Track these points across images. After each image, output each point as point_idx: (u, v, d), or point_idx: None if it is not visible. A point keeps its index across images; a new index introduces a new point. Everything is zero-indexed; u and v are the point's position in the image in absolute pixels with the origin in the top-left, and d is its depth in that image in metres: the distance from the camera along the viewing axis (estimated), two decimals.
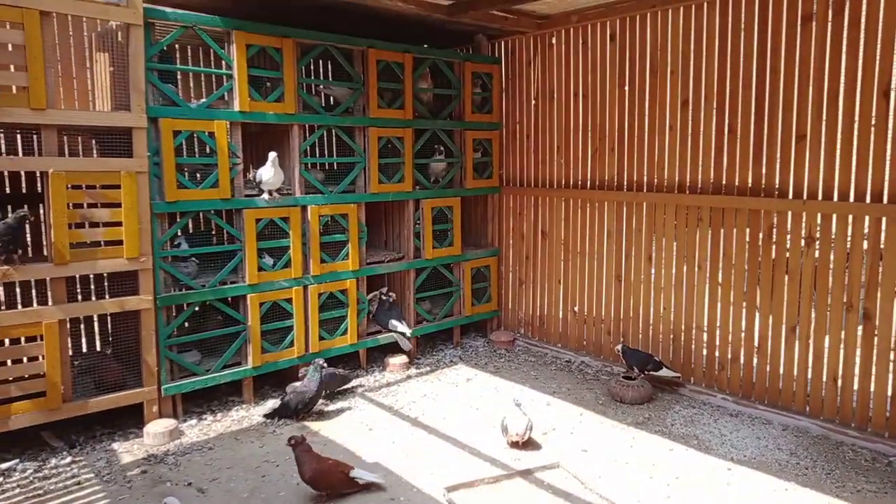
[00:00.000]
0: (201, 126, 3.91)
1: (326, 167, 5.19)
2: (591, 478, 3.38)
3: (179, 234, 4.24)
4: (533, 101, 5.48)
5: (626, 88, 4.78)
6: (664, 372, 4.49)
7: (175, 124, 3.80)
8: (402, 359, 5.11)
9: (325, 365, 4.16)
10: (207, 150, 4.04)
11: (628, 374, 4.54)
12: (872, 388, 3.68)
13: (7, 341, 3.48)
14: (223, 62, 4.11)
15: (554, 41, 5.26)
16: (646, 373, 4.52)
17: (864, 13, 3.57)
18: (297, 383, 4.33)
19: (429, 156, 5.25)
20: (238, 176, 4.13)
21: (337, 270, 4.65)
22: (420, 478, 3.41)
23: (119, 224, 3.65)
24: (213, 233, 4.58)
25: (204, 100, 4.05)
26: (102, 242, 3.66)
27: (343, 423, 4.11)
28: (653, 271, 4.73)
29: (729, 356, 4.33)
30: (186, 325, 4.54)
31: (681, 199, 4.48)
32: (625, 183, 4.86)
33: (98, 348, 4.56)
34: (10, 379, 3.42)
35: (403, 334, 4.97)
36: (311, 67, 5.34)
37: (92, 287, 4.34)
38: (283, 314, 4.44)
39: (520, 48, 5.53)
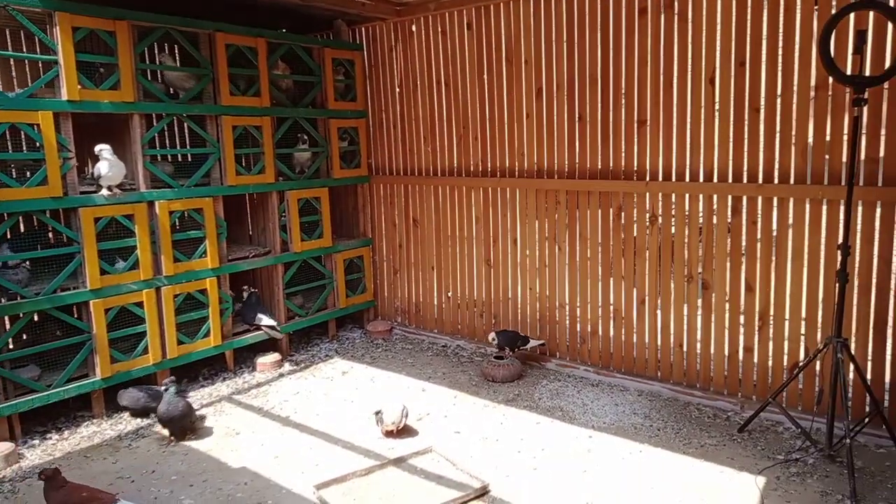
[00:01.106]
0: (23, 117, 3.50)
1: (178, 159, 4.85)
2: (462, 458, 3.44)
3: (4, 237, 3.78)
4: (397, 89, 5.45)
5: (486, 77, 4.87)
6: (532, 343, 4.68)
7: None
8: (274, 357, 4.93)
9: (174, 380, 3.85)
10: (37, 145, 3.63)
11: (499, 355, 4.66)
12: (712, 351, 4.03)
13: None
14: (47, 47, 3.70)
15: (414, 28, 5.25)
16: (518, 349, 4.67)
17: (689, 7, 3.85)
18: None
19: (292, 145, 5.07)
20: (71, 171, 3.75)
21: (194, 269, 4.38)
22: (290, 479, 3.30)
23: None
24: (50, 235, 4.14)
25: (26, 88, 3.63)
26: None
27: (206, 430, 3.89)
28: (518, 254, 4.88)
29: (589, 329, 4.57)
30: (24, 337, 4.11)
31: (540, 183, 4.65)
32: (489, 169, 4.97)
33: None
34: None
35: (272, 327, 4.80)
36: (156, 52, 4.95)
37: None
38: (135, 319, 4.12)
39: (381, 35, 5.47)
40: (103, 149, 3.81)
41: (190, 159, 4.69)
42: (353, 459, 3.49)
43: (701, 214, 3.98)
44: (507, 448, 3.58)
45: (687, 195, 3.99)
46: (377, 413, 3.75)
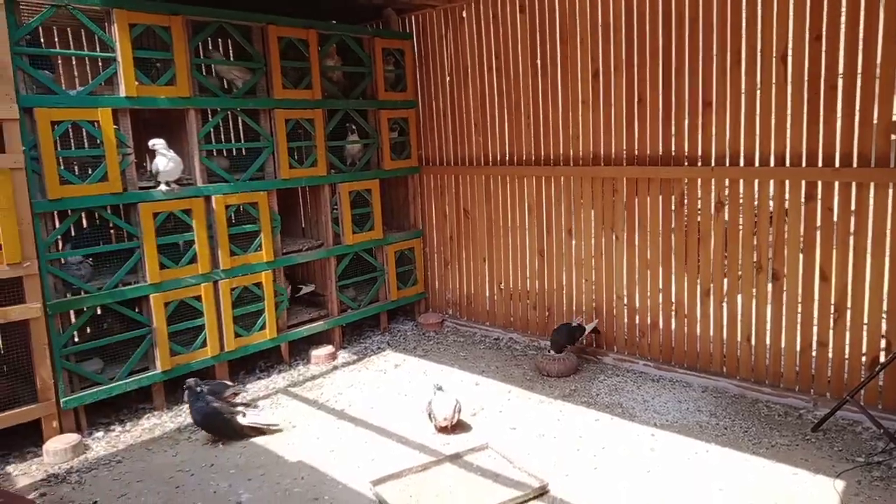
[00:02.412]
0: (83, 115, 3.58)
1: (233, 153, 4.90)
2: (519, 456, 3.36)
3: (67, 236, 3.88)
4: (448, 78, 5.36)
5: (539, 61, 4.72)
6: (588, 328, 4.54)
7: (52, 114, 3.45)
8: (328, 349, 4.94)
9: (198, 381, 3.80)
10: (97, 142, 3.71)
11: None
12: (783, 345, 3.81)
13: None
14: (106, 45, 3.76)
15: (465, 15, 5.14)
16: (577, 342, 4.54)
17: None
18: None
19: (343, 137, 5.05)
20: (130, 167, 3.82)
21: (250, 263, 4.41)
22: (346, 473, 3.28)
23: None
24: (112, 230, 4.24)
25: (86, 86, 3.71)
26: None
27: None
28: (573, 244, 4.74)
29: (649, 322, 4.40)
30: (88, 331, 4.23)
31: (596, 171, 4.48)
32: (542, 157, 4.83)
33: None
34: None
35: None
36: (210, 47, 5.00)
37: None
38: (193, 313, 4.18)
39: (431, 23, 5.38)
40: (157, 143, 3.86)
41: (244, 153, 4.73)
42: (408, 454, 3.46)
43: (771, 200, 3.75)
44: (565, 446, 3.47)
45: (756, 181, 3.76)
46: (429, 405, 3.70)
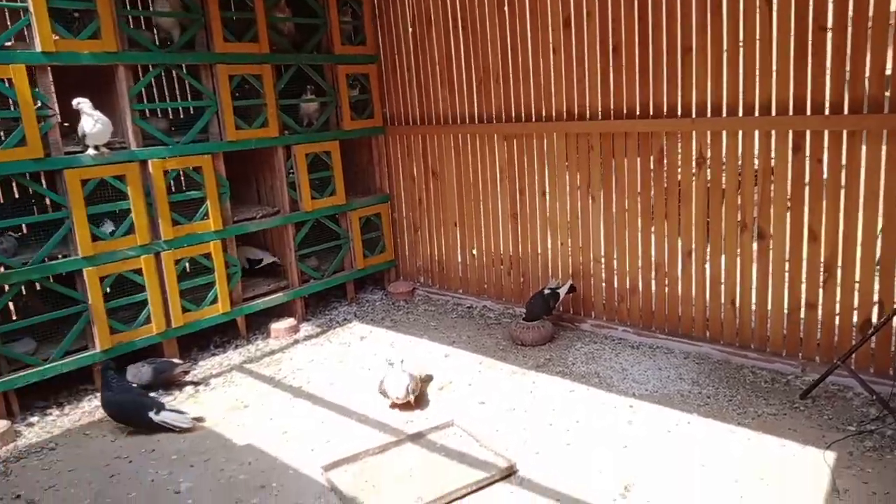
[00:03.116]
0: None
1: (175, 114, 4.50)
2: (488, 433, 3.11)
3: None
4: (410, 30, 4.97)
5: (506, 10, 4.35)
6: (563, 290, 4.27)
7: None
8: (289, 322, 4.65)
9: (111, 363, 3.49)
10: (11, 103, 3.32)
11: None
12: (769, 308, 3.57)
13: None
14: None
15: None
16: (553, 310, 4.27)
17: None
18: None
19: (298, 96, 4.66)
20: (54, 130, 3.44)
21: (196, 232, 4.07)
22: (298, 457, 3.02)
23: None
24: (34, 201, 3.87)
25: None
26: None
27: (215, 402, 3.64)
28: (548, 205, 4.44)
29: (628, 286, 4.14)
30: (12, 308, 3.88)
31: (569, 126, 4.16)
32: (513, 114, 4.49)
33: None
34: None
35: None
36: None
37: None
38: (135, 287, 3.85)
39: None
40: (81, 103, 3.47)
41: (191, 113, 4.33)
42: (367, 434, 3.19)
43: (756, 153, 3.47)
44: (537, 420, 3.22)
45: (740, 132, 3.47)
46: (381, 383, 3.43)
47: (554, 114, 4.25)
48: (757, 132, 3.42)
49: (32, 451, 3.21)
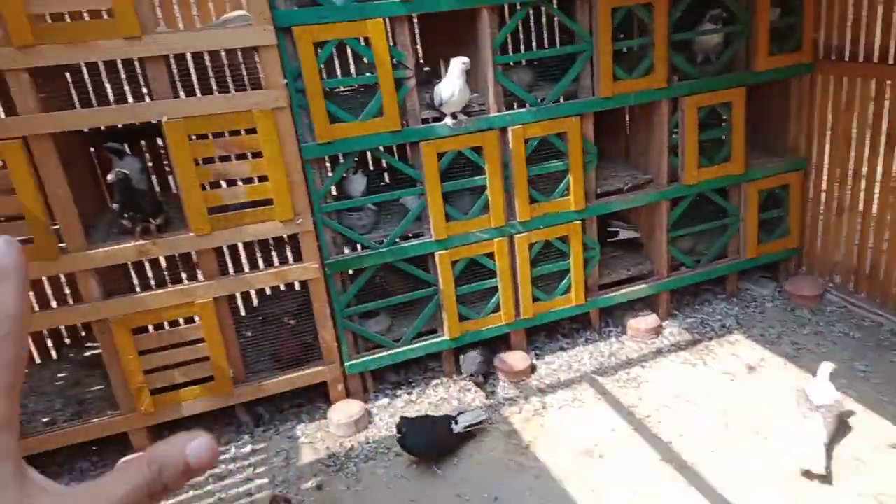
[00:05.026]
0: (350, 31, 2.80)
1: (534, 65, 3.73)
2: None
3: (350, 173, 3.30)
4: None
5: None
6: None
7: (315, 33, 2.74)
8: (650, 320, 3.76)
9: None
10: (364, 63, 2.97)
11: None
12: None
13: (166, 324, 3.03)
14: None
15: None
16: None
17: None
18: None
19: (691, 28, 3.46)
20: (410, 95, 3.00)
21: (553, 212, 3.38)
22: None
23: (264, 179, 2.86)
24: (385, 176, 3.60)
25: None
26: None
27: (563, 434, 3.02)
28: None
29: None
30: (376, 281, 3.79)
31: None
32: None
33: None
34: (173, 364, 2.97)
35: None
36: None
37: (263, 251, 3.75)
38: (484, 272, 3.39)
39: None
40: (464, 63, 2.87)
41: (545, 65, 3.52)
42: None
43: None
44: None
45: None
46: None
47: None
48: None
49: (380, 450, 3.06)
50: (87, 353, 3.39)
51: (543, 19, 4.13)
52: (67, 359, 3.47)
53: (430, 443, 2.86)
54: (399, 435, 2.85)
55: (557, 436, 3.02)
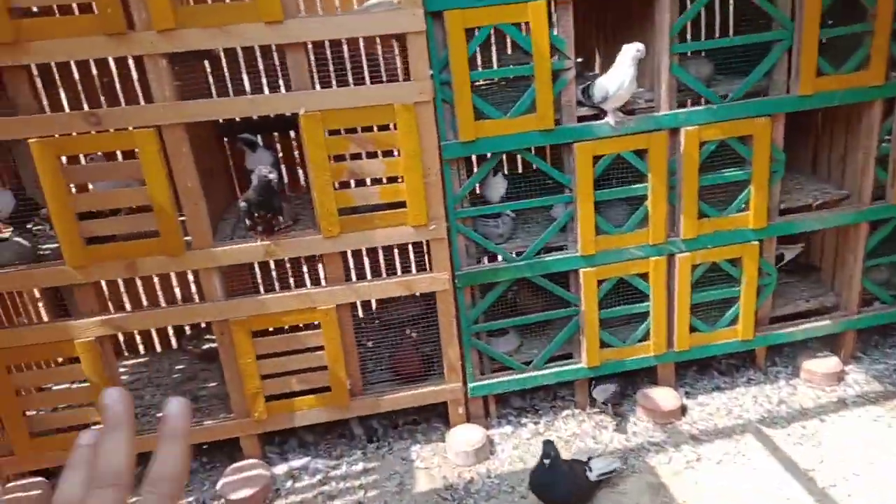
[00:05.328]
0: (508, 15, 2.43)
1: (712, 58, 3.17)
2: None
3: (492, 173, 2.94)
4: None
5: None
6: None
7: (468, 17, 2.40)
8: (831, 363, 3.14)
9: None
10: (522, 54, 2.59)
11: None
12: None
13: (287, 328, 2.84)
14: None
15: None
16: None
17: None
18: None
19: None
20: (568, 88, 2.60)
21: (727, 229, 2.86)
22: None
23: (397, 179, 2.57)
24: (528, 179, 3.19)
25: None
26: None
27: (724, 499, 2.53)
28: None
29: None
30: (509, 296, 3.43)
31: None
32: None
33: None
34: (290, 371, 2.79)
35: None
36: None
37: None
38: (634, 295, 2.94)
39: None
40: (634, 51, 2.45)
41: (730, 56, 2.96)
42: None
43: None
44: None
45: None
46: None
47: None
48: None
49: (503, 488, 2.72)
50: (206, 346, 3.31)
51: (718, 3, 3.55)
52: (186, 350, 3.42)
53: (567, 491, 2.47)
54: (547, 460, 2.42)
55: (717, 499, 2.54)
